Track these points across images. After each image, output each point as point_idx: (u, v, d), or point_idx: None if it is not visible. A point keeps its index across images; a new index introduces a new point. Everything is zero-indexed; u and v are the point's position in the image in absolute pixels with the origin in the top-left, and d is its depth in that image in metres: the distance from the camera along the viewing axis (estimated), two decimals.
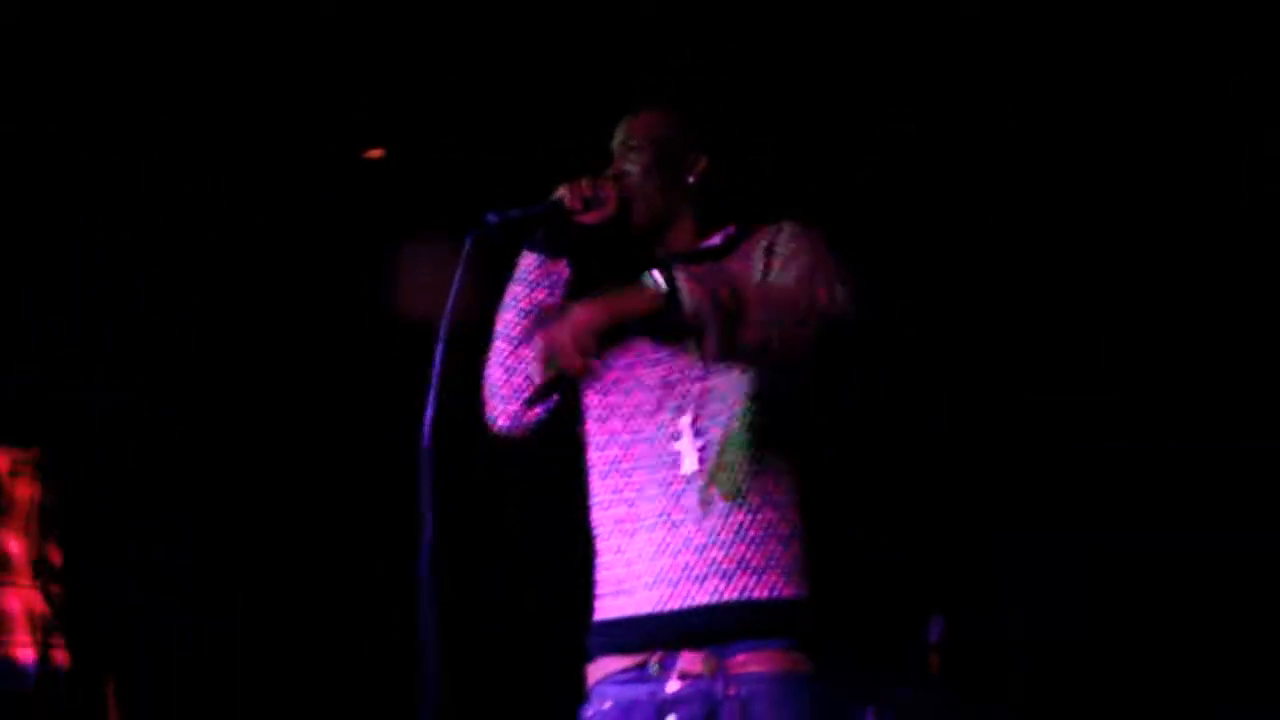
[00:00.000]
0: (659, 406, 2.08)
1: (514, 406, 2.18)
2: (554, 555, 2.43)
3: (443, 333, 1.97)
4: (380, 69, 4.63)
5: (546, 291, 2.17)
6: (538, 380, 2.14)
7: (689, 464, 2.01)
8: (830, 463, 2.08)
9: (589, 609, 2.14)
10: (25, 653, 3.71)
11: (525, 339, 2.16)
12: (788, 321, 1.88)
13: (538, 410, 2.19)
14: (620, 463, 2.10)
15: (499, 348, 2.20)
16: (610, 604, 2.07)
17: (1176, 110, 4.40)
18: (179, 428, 5.03)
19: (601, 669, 2.05)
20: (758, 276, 2.04)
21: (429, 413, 1.91)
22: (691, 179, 2.19)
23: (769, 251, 2.08)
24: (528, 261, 2.19)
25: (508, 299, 2.23)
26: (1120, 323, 4.86)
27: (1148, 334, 4.84)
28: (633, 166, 2.17)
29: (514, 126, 4.80)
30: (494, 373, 2.21)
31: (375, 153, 5.26)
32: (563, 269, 2.20)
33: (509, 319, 2.19)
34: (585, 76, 4.41)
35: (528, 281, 2.19)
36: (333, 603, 5.15)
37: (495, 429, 2.20)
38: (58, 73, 4.19)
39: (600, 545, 2.12)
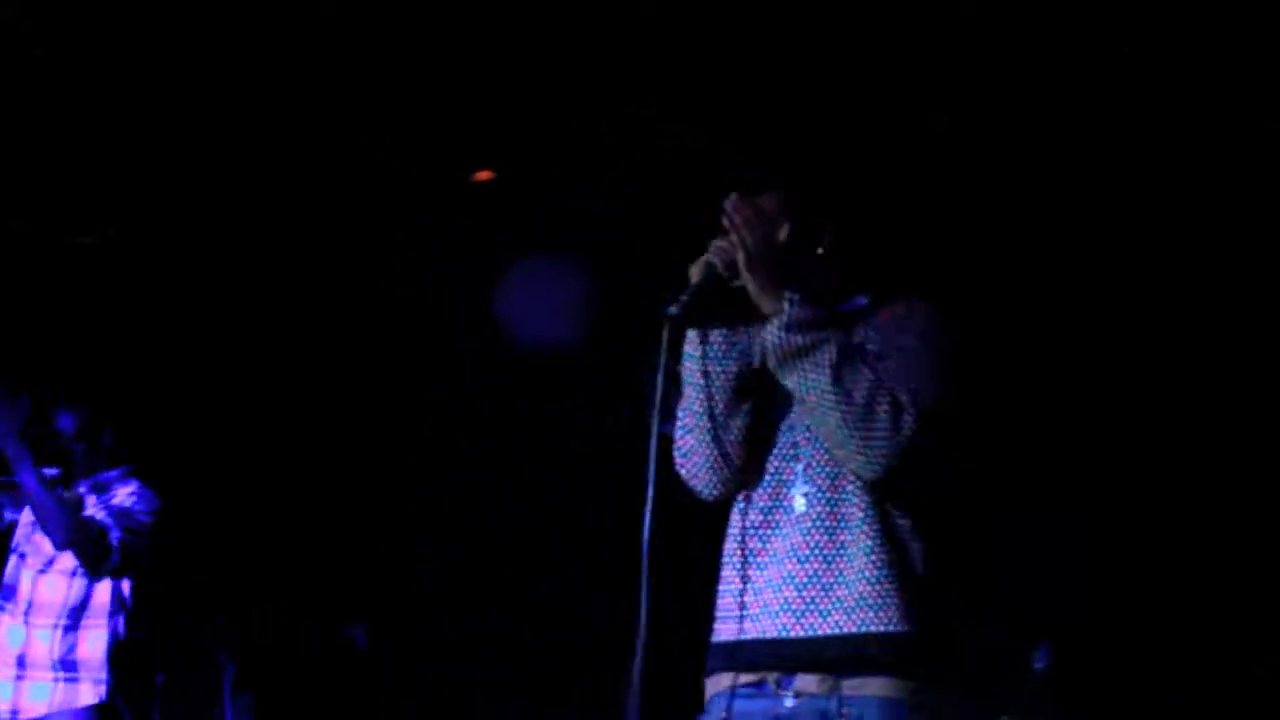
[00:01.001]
0: (780, 450, 2.23)
1: (726, 474, 2.26)
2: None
3: (654, 419, 2.15)
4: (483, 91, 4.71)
5: (736, 361, 2.24)
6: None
7: (800, 505, 2.17)
8: (941, 509, 2.18)
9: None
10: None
11: (729, 413, 2.23)
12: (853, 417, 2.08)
13: (740, 470, 2.26)
14: (754, 500, 2.24)
15: (704, 424, 2.24)
16: (734, 627, 2.20)
17: (1173, 111, 4.37)
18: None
19: (719, 683, 2.20)
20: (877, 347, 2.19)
21: (648, 513, 2.13)
22: (820, 250, 2.31)
23: (894, 330, 2.22)
24: (713, 338, 2.24)
25: (698, 378, 2.25)
26: (1117, 315, 4.87)
27: (1144, 329, 4.85)
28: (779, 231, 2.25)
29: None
30: (702, 449, 2.25)
31: (484, 175, 5.38)
32: (741, 335, 2.26)
33: (713, 396, 2.24)
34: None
35: (718, 357, 2.24)
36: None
37: (709, 499, 2.29)
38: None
39: (727, 573, 2.25)
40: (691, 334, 2.24)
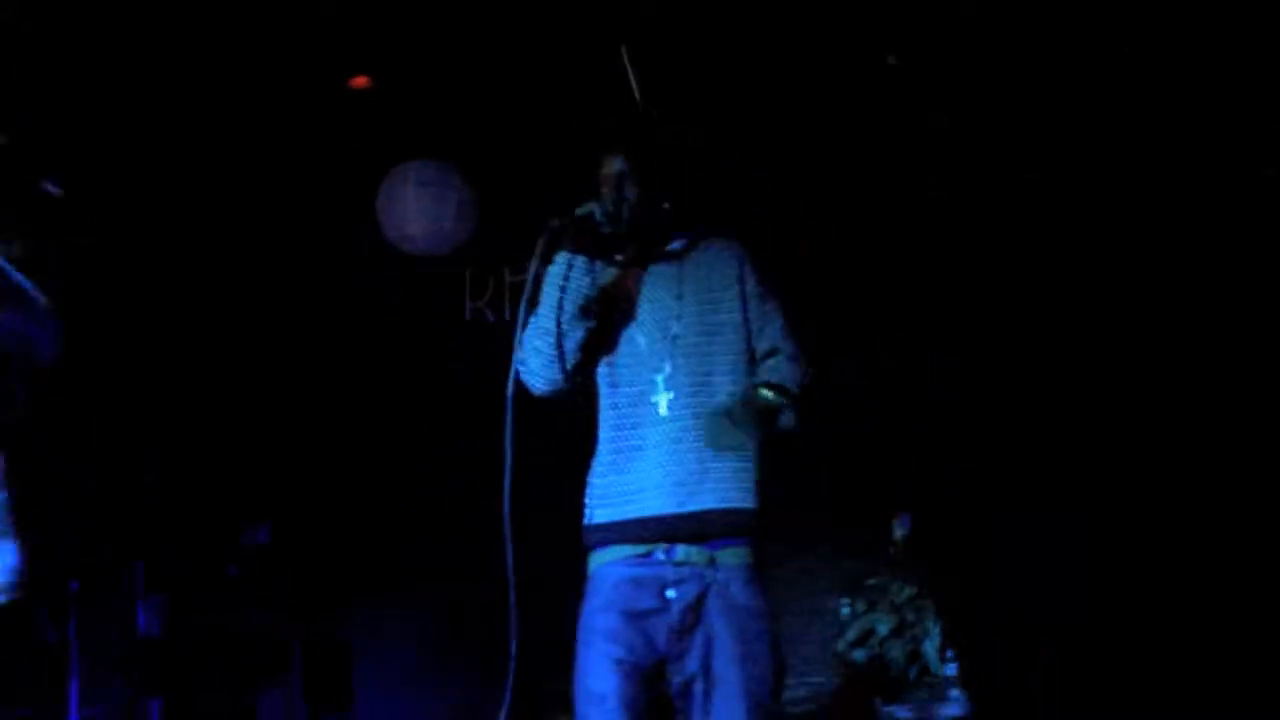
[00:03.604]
0: (643, 361, 2.72)
1: (558, 375, 2.68)
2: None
3: (522, 317, 2.63)
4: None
5: (589, 285, 2.69)
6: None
7: (664, 409, 2.66)
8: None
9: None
10: None
11: (573, 323, 2.66)
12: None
13: (572, 380, 2.71)
14: (623, 403, 2.71)
15: (549, 327, 2.68)
16: (620, 508, 2.65)
17: (1168, 114, 4.58)
18: None
19: (610, 555, 2.65)
20: (738, 302, 2.74)
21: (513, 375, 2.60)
22: (666, 204, 2.78)
23: (741, 280, 2.76)
24: (577, 261, 2.68)
25: (554, 287, 2.68)
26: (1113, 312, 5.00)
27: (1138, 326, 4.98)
28: (631, 193, 2.73)
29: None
30: (544, 350, 2.68)
31: (360, 81, 5.41)
32: (599, 268, 2.73)
33: (563, 305, 2.68)
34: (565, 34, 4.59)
35: (578, 276, 2.68)
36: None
37: (539, 393, 2.71)
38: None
39: (604, 462, 2.71)
40: (561, 254, 2.68)
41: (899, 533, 5.29)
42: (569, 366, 2.66)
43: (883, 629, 5.10)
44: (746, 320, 2.72)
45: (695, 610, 2.57)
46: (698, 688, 2.56)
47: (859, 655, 5.09)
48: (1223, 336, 4.91)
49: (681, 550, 2.58)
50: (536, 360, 2.66)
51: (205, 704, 5.07)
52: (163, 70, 4.60)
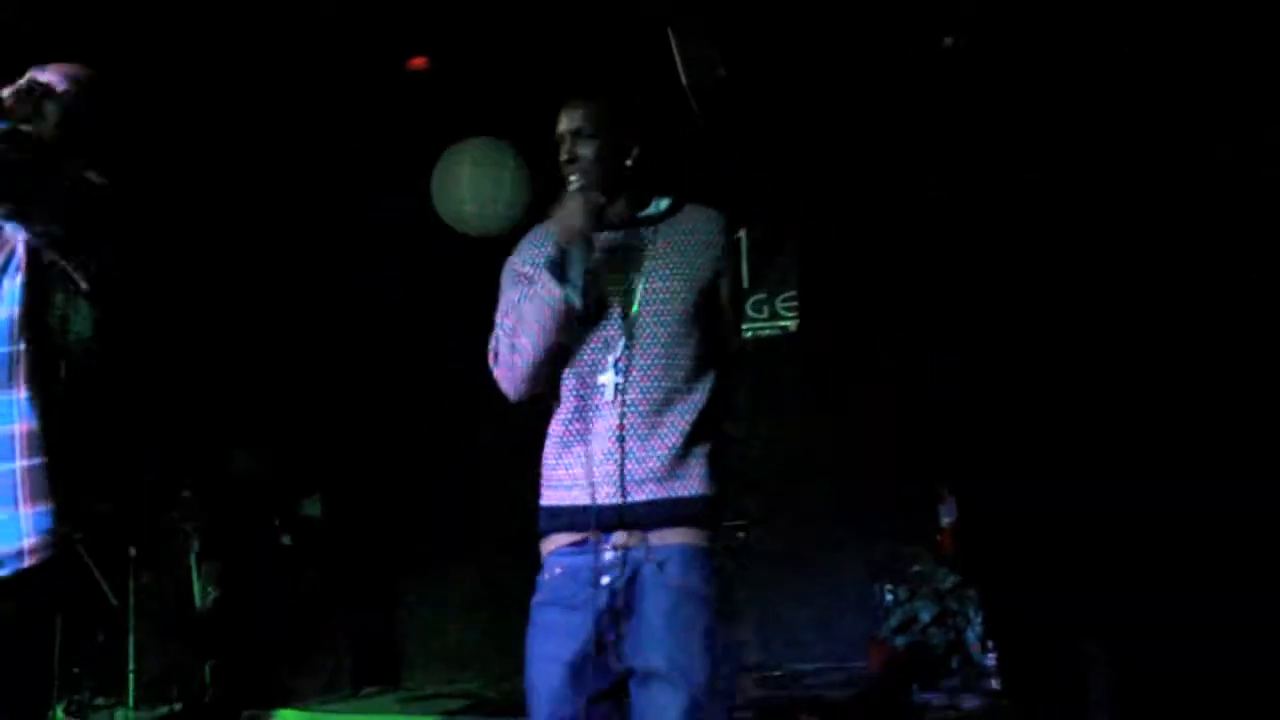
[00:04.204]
0: (591, 346, 2.55)
1: (537, 382, 2.55)
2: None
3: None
4: None
5: (582, 303, 2.53)
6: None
7: (608, 393, 2.52)
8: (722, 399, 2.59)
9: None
10: None
11: (559, 337, 2.52)
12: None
13: (546, 379, 2.57)
14: (570, 390, 2.56)
15: (537, 342, 2.53)
16: (561, 494, 2.54)
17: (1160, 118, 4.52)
18: None
19: (550, 544, 2.56)
20: (712, 283, 2.58)
21: None
22: (629, 163, 2.58)
23: (718, 261, 2.59)
24: (572, 276, 2.50)
25: (515, 299, 2.56)
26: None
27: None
28: (585, 152, 2.56)
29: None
30: (529, 359, 2.54)
31: (418, 62, 5.47)
32: (591, 283, 2.54)
33: (552, 324, 2.52)
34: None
35: (575, 294, 2.51)
36: None
37: (515, 399, 2.58)
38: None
39: (552, 449, 2.57)
40: (525, 246, 2.60)
41: (945, 519, 5.30)
42: (548, 371, 2.53)
43: (925, 616, 5.11)
44: (718, 295, 2.56)
45: (627, 594, 2.45)
46: (634, 679, 2.44)
47: (901, 641, 5.10)
48: (1223, 336, 4.82)
49: (618, 535, 2.46)
50: (520, 371, 2.53)
51: (256, 669, 5.19)
52: (163, 70, 4.60)
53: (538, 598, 2.52)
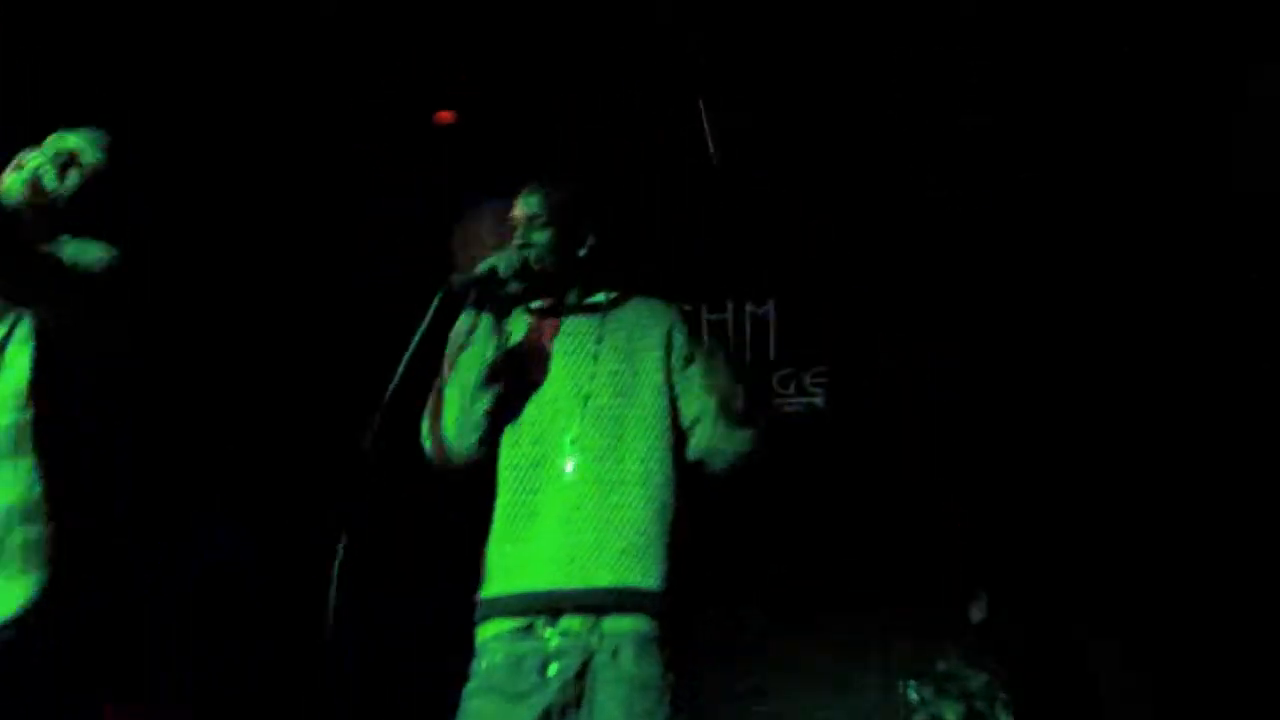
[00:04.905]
0: (546, 424, 2.53)
1: (466, 446, 2.51)
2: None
3: (401, 370, 2.40)
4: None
5: (495, 348, 2.52)
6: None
7: (569, 475, 2.46)
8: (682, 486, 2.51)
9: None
10: None
11: (483, 388, 2.49)
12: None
13: (483, 446, 2.52)
14: (523, 468, 2.51)
15: (451, 396, 2.51)
16: (506, 580, 2.46)
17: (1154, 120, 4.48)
18: None
19: (492, 629, 2.44)
20: (662, 364, 2.57)
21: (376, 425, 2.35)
22: (583, 252, 2.63)
23: (668, 343, 2.59)
24: (481, 324, 2.51)
25: (457, 355, 2.54)
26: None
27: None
28: (539, 238, 2.59)
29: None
30: (448, 418, 2.51)
31: (445, 116, 5.37)
32: (506, 329, 2.57)
33: (466, 372, 2.51)
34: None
35: (481, 340, 2.51)
36: None
37: (442, 463, 2.53)
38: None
39: (499, 531, 2.50)
40: (464, 315, 2.54)
41: (976, 616, 5.09)
42: (476, 437, 2.48)
43: (951, 717, 4.88)
44: (670, 385, 2.53)
45: (577, 685, 2.33)
46: None
47: None
48: (1224, 335, 4.74)
49: (565, 620, 2.37)
50: (442, 429, 2.49)
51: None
52: (163, 70, 4.51)
53: (472, 683, 2.36)
